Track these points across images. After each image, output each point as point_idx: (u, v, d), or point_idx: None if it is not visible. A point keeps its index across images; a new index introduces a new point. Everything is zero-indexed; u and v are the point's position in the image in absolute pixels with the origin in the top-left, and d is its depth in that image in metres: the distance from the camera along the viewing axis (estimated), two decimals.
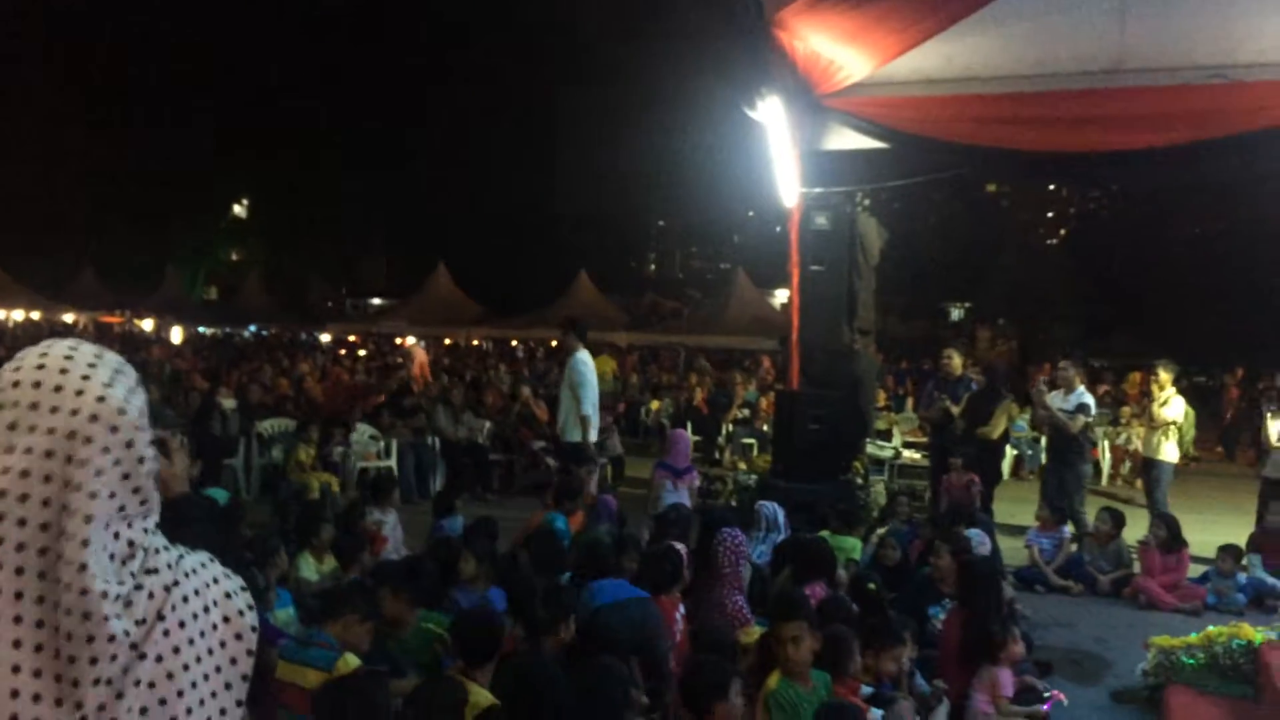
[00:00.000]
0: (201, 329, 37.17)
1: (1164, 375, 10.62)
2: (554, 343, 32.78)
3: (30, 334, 28.67)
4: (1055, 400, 10.00)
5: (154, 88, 39.57)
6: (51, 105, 35.84)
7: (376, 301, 47.69)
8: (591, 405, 9.32)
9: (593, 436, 9.47)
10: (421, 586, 5.23)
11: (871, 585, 6.12)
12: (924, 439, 13.10)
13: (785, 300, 11.67)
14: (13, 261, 32.01)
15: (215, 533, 5.56)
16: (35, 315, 32.41)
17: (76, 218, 37.80)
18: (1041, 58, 8.63)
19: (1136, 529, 9.25)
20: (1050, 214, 49.03)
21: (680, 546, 6.13)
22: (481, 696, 4.11)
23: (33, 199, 36.39)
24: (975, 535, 7.15)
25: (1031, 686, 5.67)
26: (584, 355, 9.53)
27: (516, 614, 4.97)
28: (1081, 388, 10.20)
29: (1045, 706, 5.50)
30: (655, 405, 18.79)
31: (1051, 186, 43.49)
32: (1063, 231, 48.57)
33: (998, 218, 43.30)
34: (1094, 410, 10.22)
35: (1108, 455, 15.48)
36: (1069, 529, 9.36)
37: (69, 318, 33.00)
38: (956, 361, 11.19)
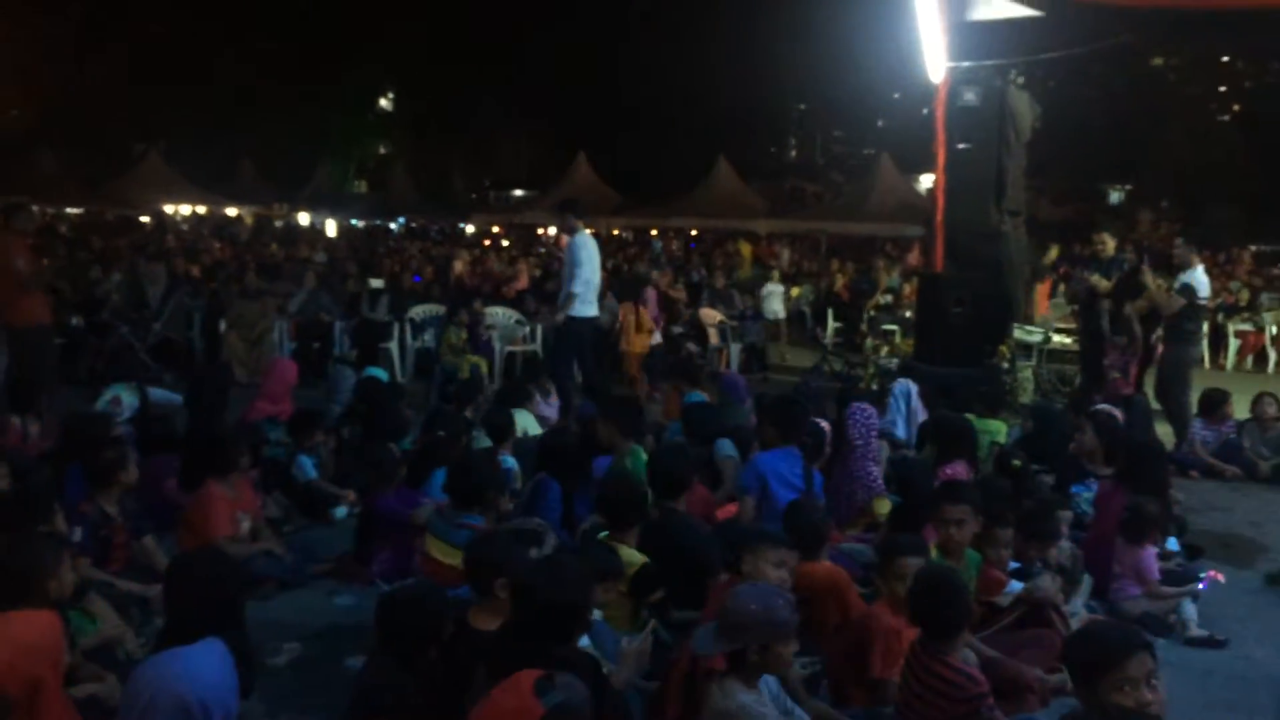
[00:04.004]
0: (354, 221, 38.41)
1: None
2: (654, 231, 32.91)
3: (195, 226, 30.26)
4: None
5: None
6: (202, 28, 36.97)
7: (518, 192, 48.13)
8: (582, 284, 9.10)
9: (585, 312, 9.27)
10: (565, 460, 5.56)
11: (1015, 462, 6.09)
12: (1074, 325, 12.71)
13: (931, 185, 11.41)
14: (182, 158, 33.58)
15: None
16: (201, 209, 34.05)
17: (235, 117, 39.20)
18: None
19: None
20: (1222, 88, 45.59)
21: (824, 423, 6.35)
22: (633, 557, 4.32)
23: (196, 106, 37.91)
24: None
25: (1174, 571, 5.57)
26: (580, 238, 9.28)
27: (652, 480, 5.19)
28: (1197, 269, 9.51)
29: (1201, 585, 5.39)
30: (796, 292, 18.68)
31: (1225, 59, 40.46)
32: (1236, 107, 45.14)
33: (1164, 92, 40.58)
34: (1203, 293, 9.54)
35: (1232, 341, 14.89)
36: (1233, 421, 8.96)
37: (231, 211, 34.53)
38: (1110, 245, 10.75)
